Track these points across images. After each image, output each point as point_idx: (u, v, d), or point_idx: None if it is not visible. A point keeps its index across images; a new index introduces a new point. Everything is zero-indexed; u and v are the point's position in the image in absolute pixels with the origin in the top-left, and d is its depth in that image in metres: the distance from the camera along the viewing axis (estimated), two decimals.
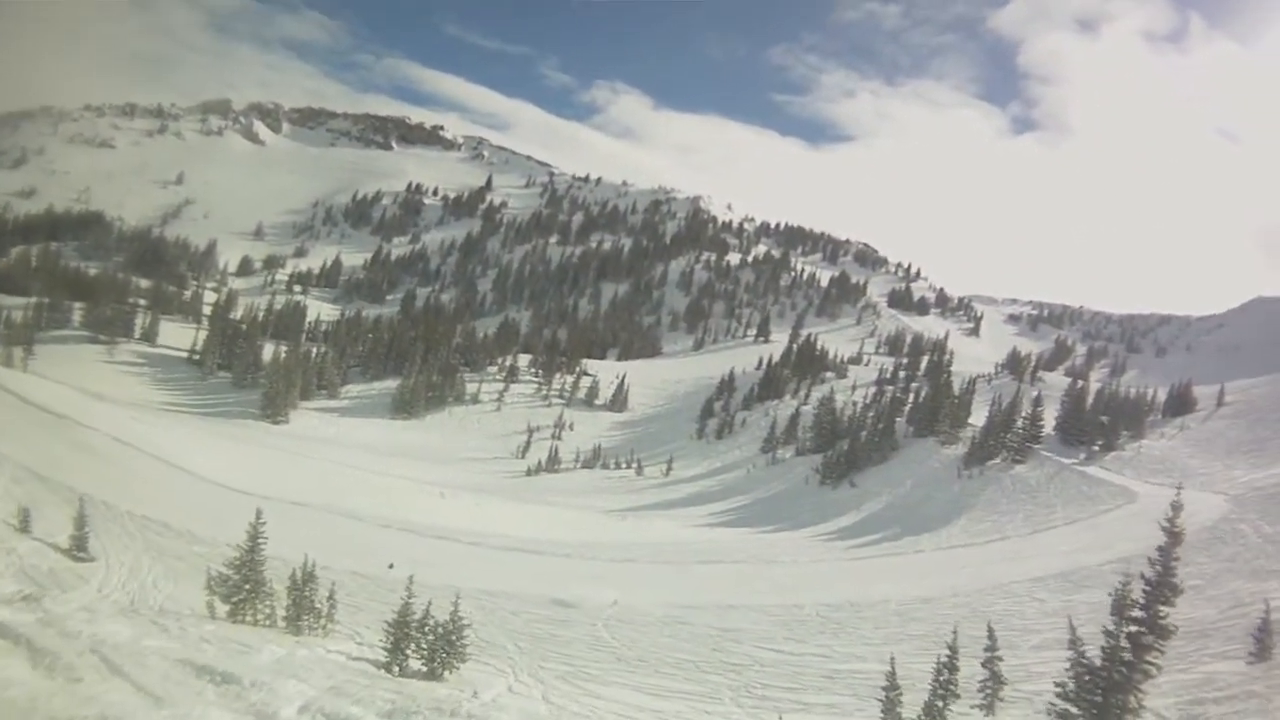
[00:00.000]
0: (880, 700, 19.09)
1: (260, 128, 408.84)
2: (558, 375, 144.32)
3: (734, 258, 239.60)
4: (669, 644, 33.52)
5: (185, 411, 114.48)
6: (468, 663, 23.26)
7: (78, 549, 35.79)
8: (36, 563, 33.24)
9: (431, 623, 22.25)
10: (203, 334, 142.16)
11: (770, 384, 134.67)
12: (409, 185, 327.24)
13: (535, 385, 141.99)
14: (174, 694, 11.83)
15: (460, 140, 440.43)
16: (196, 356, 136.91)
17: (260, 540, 25.47)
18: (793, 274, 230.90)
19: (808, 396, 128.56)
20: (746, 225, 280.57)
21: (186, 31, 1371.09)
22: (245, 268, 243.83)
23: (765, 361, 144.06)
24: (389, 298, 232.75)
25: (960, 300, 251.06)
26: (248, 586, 25.66)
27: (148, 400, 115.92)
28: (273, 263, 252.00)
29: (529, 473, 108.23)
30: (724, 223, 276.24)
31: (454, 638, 22.15)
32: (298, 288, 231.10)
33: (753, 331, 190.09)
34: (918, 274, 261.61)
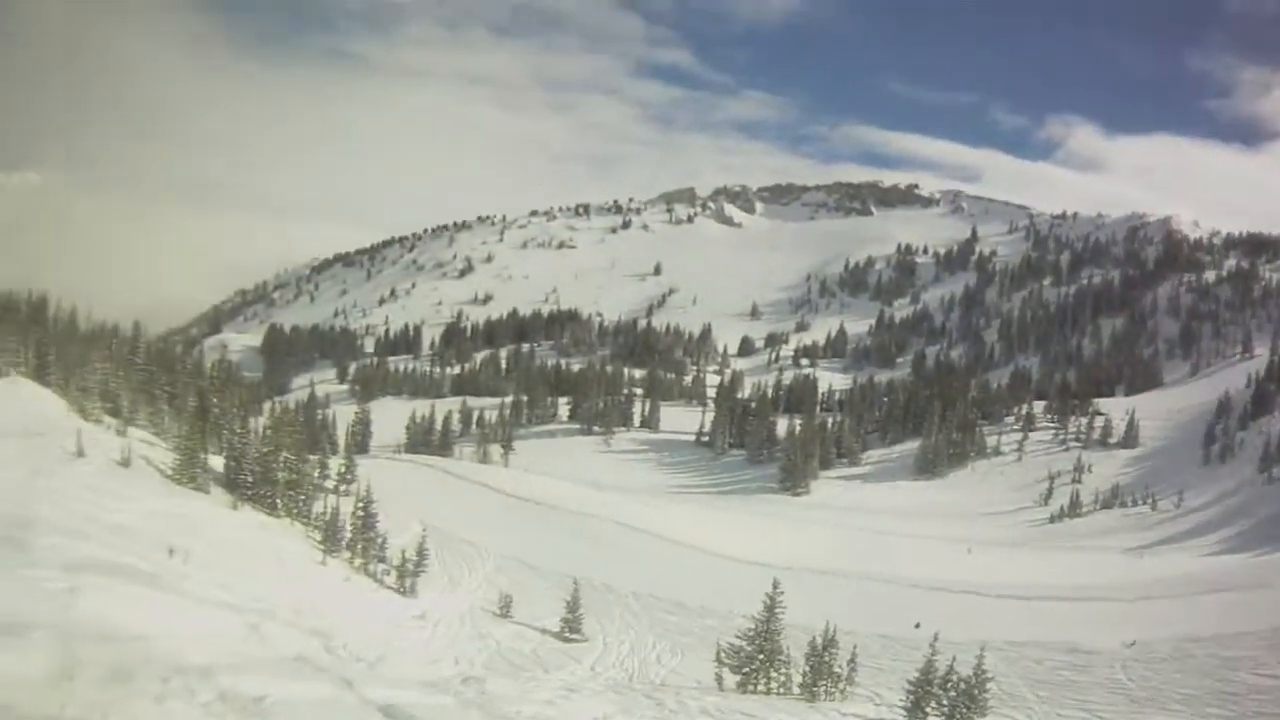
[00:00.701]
0: None
1: (733, 210, 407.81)
2: (1072, 418, 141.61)
3: (1210, 275, 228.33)
4: (1176, 680, 34.91)
5: (698, 492, 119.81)
6: (987, 717, 23.83)
7: (570, 630, 40.00)
8: (516, 646, 37.60)
9: (954, 679, 22.84)
10: (709, 416, 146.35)
11: (1260, 401, 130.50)
12: (898, 247, 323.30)
13: (1052, 431, 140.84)
14: None
15: (937, 196, 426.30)
16: (705, 438, 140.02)
17: (778, 609, 27.43)
18: (1262, 283, 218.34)
19: None
20: (1214, 240, 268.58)
21: (623, 127, 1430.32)
22: (746, 348, 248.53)
23: (1252, 379, 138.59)
24: (899, 360, 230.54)
25: None
26: (761, 656, 27.32)
27: (654, 485, 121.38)
28: (774, 340, 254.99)
29: (1052, 520, 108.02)
30: (1194, 240, 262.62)
31: (976, 692, 22.63)
32: (804, 361, 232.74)
33: (1238, 349, 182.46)
34: None
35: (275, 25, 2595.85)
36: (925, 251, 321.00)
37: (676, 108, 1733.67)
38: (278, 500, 53.50)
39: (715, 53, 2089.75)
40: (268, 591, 28.54)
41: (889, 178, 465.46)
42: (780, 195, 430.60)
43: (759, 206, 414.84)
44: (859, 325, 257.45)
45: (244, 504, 50.25)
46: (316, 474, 66.82)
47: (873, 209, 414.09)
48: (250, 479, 53.50)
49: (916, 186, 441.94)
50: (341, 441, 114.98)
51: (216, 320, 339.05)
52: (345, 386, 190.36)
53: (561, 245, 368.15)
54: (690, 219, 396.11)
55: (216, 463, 55.98)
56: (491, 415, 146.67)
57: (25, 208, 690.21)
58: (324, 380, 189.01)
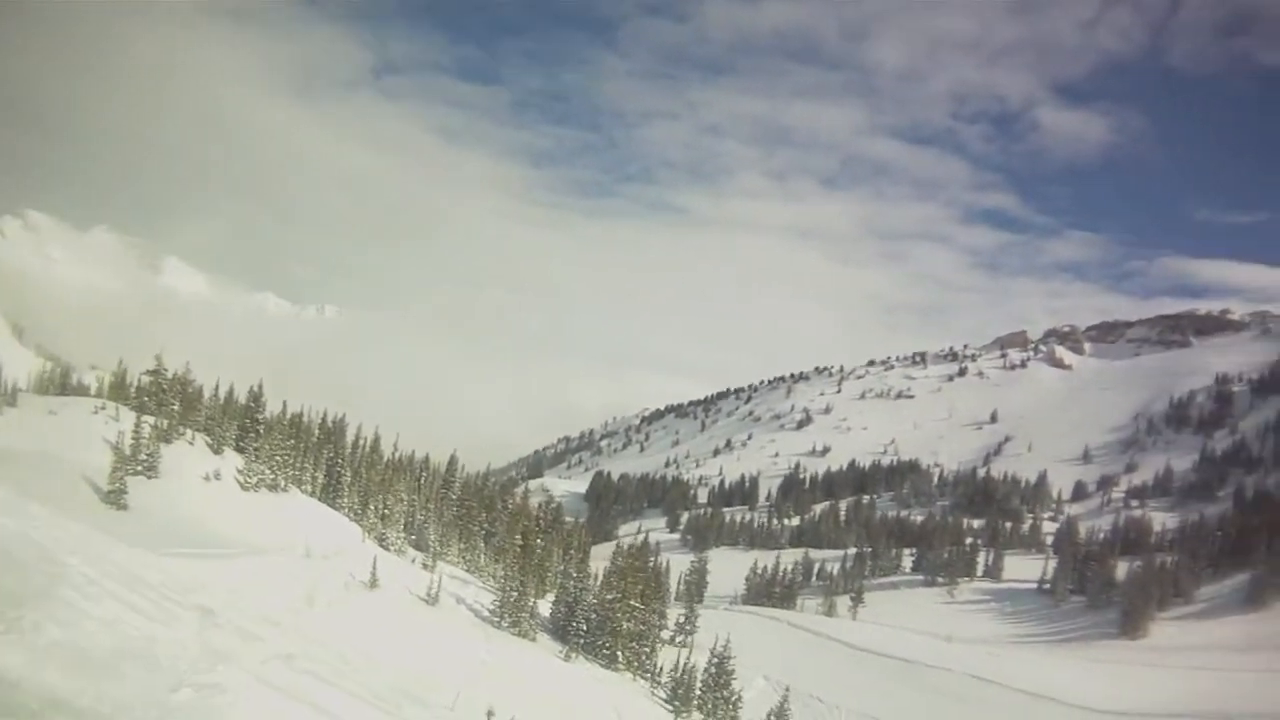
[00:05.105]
0: None
1: (1063, 352, 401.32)
2: None
3: None
4: None
5: (1039, 641, 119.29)
6: None
7: None
8: None
9: None
10: (1050, 563, 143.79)
11: None
12: (1215, 377, 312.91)
13: None
14: None
15: (1247, 319, 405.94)
16: (1047, 585, 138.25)
17: None
18: None
19: None
20: None
21: (953, 275, 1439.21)
22: (1079, 492, 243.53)
23: None
24: (1219, 494, 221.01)
25: None
26: None
27: (997, 634, 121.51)
28: (1106, 482, 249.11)
29: None
30: None
31: None
32: (1134, 502, 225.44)
33: None
34: None
35: (594, 175, 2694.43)
36: (1240, 379, 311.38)
37: (1004, 252, 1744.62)
38: (618, 652, 56.66)
39: (1038, 192, 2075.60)
40: None
41: (1204, 307, 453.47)
42: (1106, 334, 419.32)
43: (1087, 347, 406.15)
44: (1184, 461, 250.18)
45: (577, 655, 53.78)
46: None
47: (1192, 340, 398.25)
48: (585, 627, 56.75)
49: (1228, 312, 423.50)
50: (673, 591, 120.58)
51: (538, 464, 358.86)
52: (676, 535, 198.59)
53: (899, 395, 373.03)
54: (1024, 364, 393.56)
55: (542, 607, 60.77)
56: (833, 567, 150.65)
57: (337, 339, 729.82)
58: (653, 528, 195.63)
